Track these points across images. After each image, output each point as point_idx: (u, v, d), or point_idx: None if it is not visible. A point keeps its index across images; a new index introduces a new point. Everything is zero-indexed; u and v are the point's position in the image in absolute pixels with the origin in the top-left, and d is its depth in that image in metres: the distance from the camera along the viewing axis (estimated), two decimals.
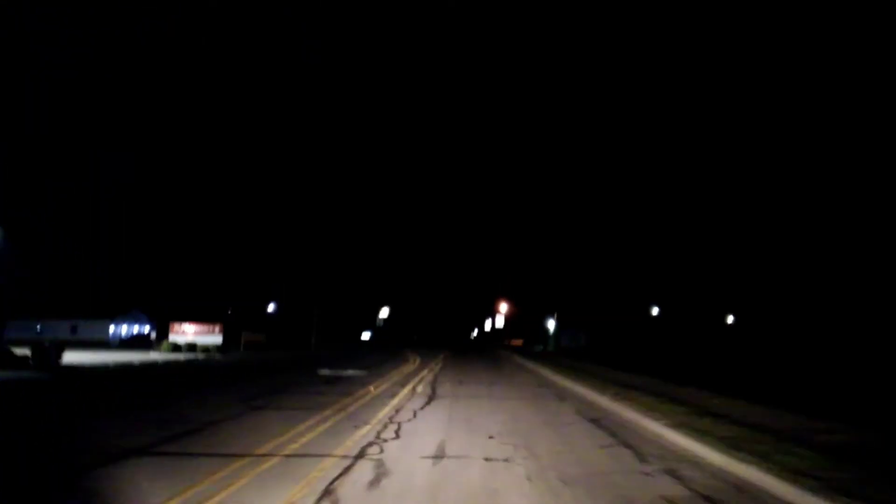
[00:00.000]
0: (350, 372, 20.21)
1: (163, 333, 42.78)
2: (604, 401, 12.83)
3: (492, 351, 55.05)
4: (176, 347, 38.69)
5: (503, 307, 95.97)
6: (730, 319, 67.62)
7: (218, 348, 39.17)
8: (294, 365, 25.44)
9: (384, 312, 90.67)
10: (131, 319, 65.51)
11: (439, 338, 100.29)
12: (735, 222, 53.09)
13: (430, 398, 13.02)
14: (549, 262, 79.13)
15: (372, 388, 14.91)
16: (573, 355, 41.25)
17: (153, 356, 32.87)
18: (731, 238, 54.35)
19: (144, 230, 69.04)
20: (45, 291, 63.94)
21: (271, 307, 62.50)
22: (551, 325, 69.35)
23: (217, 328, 41.82)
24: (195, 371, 21.58)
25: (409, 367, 23.61)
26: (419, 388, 15.09)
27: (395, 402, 12.22)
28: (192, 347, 38.94)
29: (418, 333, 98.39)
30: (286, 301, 62.10)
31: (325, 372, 20.11)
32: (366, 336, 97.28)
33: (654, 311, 66.66)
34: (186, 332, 41.77)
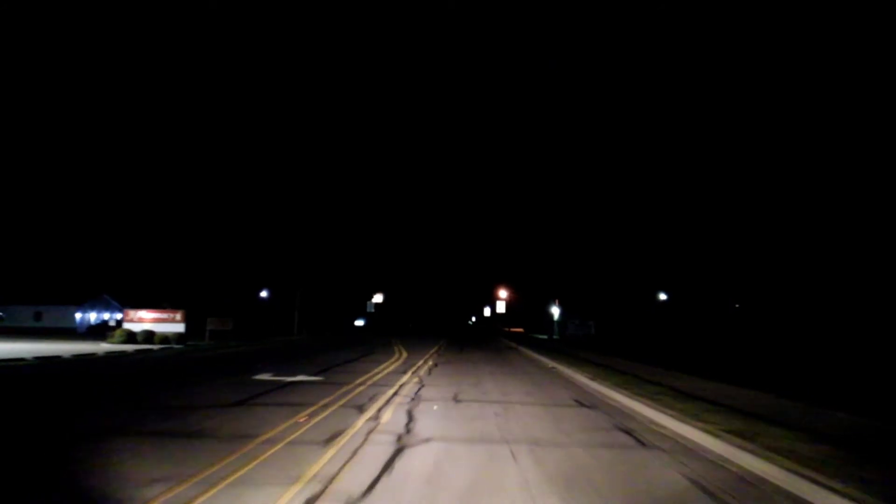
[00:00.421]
0: (300, 377, 13.91)
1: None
2: (744, 458, 6.59)
3: (493, 339, 49.07)
4: (131, 336, 32.60)
5: (503, 293, 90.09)
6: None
7: (179, 337, 33.08)
8: (240, 362, 19.17)
9: (378, 298, 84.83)
10: (102, 305, 59.29)
11: (436, 324, 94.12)
12: (739, 207, 46.37)
13: (400, 445, 6.82)
14: (550, 247, 72.94)
15: (305, 416, 8.63)
16: (586, 346, 35.20)
17: (103, 347, 27.12)
18: (738, 222, 47.75)
19: (123, 212, 62.54)
20: (8, 275, 57.66)
21: (264, 293, 56.35)
22: (555, 312, 63.39)
23: (178, 314, 35.68)
24: (96, 374, 15.35)
25: (388, 367, 17.36)
26: (386, 415, 8.80)
27: (322, 464, 5.93)
28: (148, 337, 32.88)
29: (414, 320, 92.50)
30: (275, 286, 55.81)
31: (264, 377, 13.82)
32: (360, 322, 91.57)
33: (662, 297, 60.78)
34: (143, 319, 35.76)
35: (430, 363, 19.19)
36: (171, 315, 35.47)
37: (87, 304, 57.32)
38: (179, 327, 34.99)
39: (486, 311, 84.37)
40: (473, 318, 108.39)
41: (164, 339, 32.79)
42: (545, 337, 57.29)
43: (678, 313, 56.82)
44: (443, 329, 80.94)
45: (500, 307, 53.99)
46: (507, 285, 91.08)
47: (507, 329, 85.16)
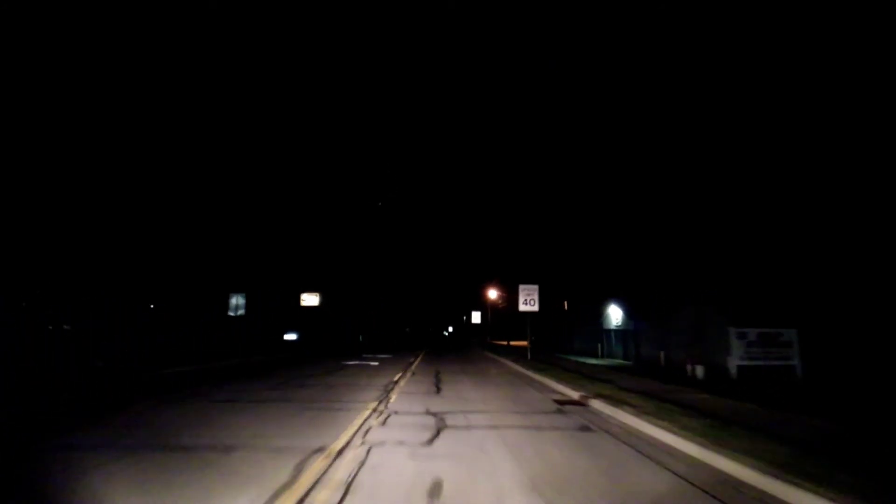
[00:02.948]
0: None
1: None
2: None
3: (495, 370, 18.73)
4: None
5: (493, 293, 60.00)
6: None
7: None
8: None
9: (310, 299, 53.31)
10: None
11: (403, 337, 63.77)
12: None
13: None
14: (548, 243, 43.58)
15: None
16: None
17: None
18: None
19: None
20: None
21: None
22: (615, 314, 33.36)
23: None
24: None
25: None
26: None
27: None
28: None
29: (368, 332, 60.97)
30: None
31: None
32: (291, 337, 59.17)
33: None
34: None
35: None
36: None
37: None
38: None
39: (476, 317, 54.49)
40: (451, 329, 77.84)
41: None
42: (623, 361, 26.88)
43: None
44: (412, 344, 50.41)
45: (529, 303, 24.08)
46: (500, 284, 61.14)
47: (493, 340, 55.44)
